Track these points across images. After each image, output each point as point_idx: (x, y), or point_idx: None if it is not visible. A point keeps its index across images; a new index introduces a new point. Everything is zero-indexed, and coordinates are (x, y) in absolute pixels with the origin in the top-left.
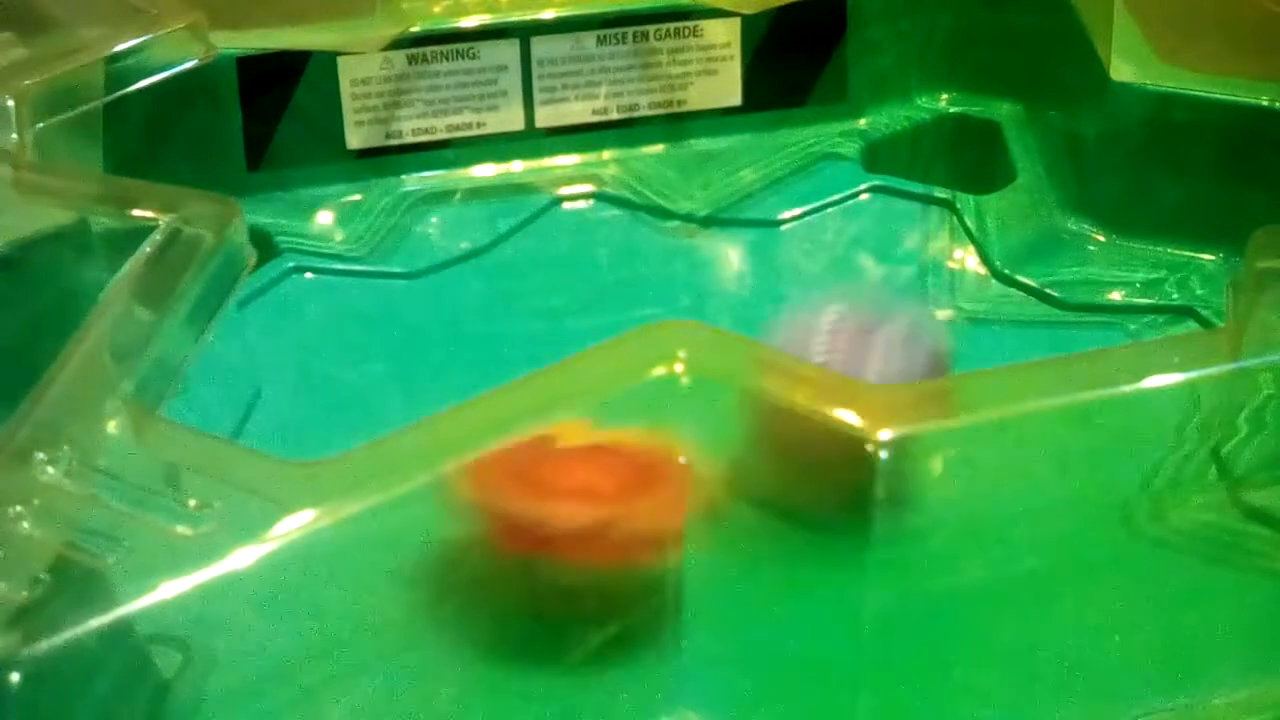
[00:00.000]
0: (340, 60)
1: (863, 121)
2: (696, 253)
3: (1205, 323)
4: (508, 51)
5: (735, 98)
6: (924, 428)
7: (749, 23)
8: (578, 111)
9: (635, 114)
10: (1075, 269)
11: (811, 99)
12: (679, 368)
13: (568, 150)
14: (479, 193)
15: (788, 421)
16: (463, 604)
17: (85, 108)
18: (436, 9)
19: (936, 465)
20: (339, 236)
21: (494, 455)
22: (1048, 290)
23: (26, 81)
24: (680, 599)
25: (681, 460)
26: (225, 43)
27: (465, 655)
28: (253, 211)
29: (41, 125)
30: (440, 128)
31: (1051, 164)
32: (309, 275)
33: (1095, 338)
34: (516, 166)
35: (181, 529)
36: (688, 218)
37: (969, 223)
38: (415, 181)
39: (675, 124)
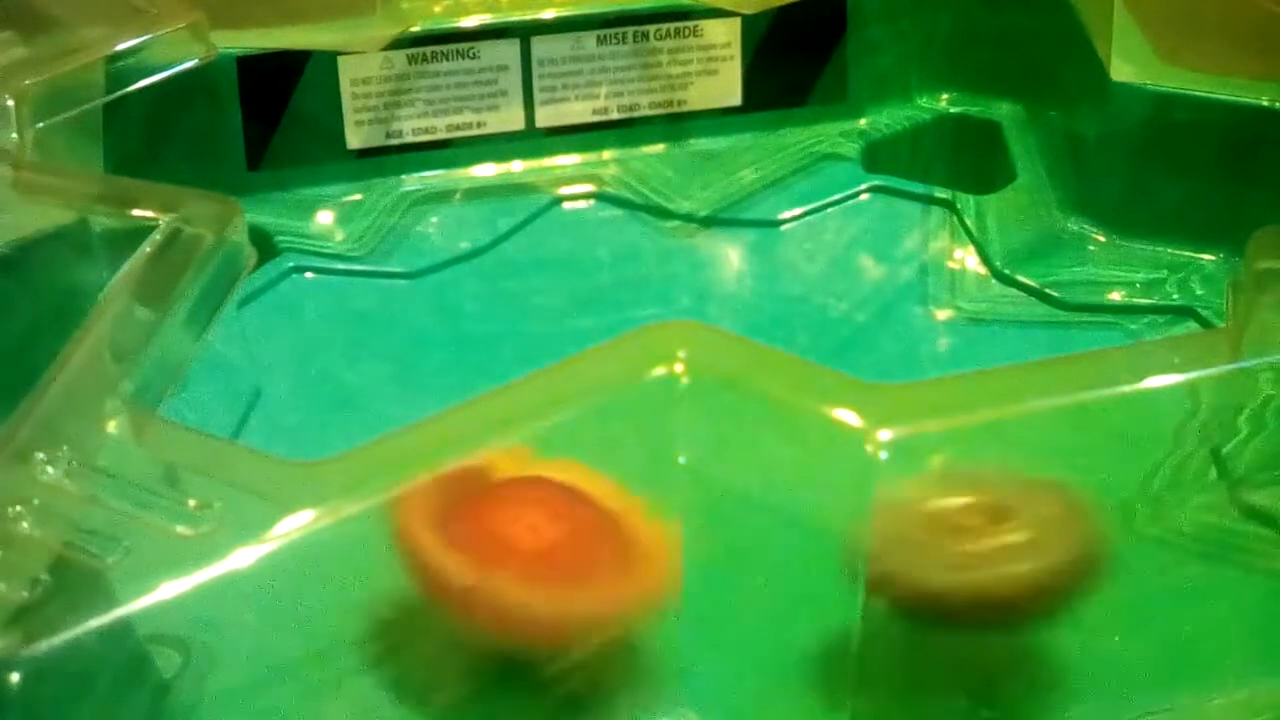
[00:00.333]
0: (340, 60)
1: (863, 121)
2: (696, 253)
3: (1205, 323)
4: (508, 51)
5: (735, 98)
6: (924, 428)
7: (749, 23)
8: (578, 111)
9: (635, 114)
10: (1075, 269)
11: (811, 99)
12: (679, 368)
13: (568, 150)
14: (479, 193)
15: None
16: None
17: (85, 107)
18: (437, 9)
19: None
20: (339, 236)
21: (440, 481)
22: (1048, 290)
23: (26, 81)
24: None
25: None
26: (225, 43)
27: (465, 655)
28: (253, 211)
29: (41, 125)
30: (440, 127)
31: (1052, 164)
32: (309, 275)
33: (1095, 338)
34: (516, 166)
35: (181, 529)
36: (688, 218)
37: (969, 223)
38: (415, 181)
39: (675, 124)
